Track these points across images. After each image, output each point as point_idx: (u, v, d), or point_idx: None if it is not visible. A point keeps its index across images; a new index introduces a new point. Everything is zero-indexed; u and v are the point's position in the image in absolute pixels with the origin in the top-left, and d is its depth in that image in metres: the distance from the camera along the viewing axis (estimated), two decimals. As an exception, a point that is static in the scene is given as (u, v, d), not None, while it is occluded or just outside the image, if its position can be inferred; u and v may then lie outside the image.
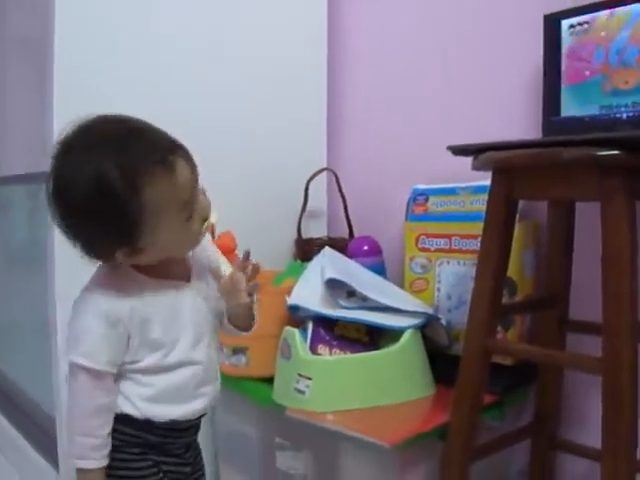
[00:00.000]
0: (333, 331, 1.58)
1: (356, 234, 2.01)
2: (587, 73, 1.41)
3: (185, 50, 1.80)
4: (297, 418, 1.45)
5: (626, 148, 1.08)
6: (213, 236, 1.09)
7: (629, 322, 1.11)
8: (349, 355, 1.52)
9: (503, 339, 1.53)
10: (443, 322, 1.63)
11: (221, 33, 1.88)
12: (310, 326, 1.56)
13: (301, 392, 1.45)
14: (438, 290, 1.71)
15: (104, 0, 1.66)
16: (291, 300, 1.60)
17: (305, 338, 1.54)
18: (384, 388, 1.47)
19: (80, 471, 1.09)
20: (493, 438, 1.48)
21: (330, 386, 1.46)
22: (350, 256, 1.81)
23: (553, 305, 1.48)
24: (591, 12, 1.42)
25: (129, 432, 1.12)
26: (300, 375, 1.47)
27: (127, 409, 1.11)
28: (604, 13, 1.38)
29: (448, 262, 1.68)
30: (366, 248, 1.84)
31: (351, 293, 1.60)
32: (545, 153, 1.16)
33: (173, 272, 1.14)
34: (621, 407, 1.11)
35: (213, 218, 1.16)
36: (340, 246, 1.87)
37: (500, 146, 1.24)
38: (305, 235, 2.05)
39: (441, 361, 1.58)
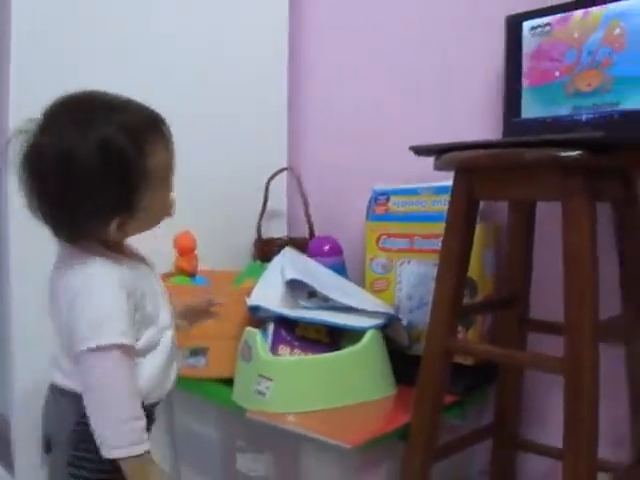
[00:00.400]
0: (294, 332, 1.57)
1: (317, 234, 2.00)
2: (556, 74, 1.42)
3: (148, 39, 1.79)
4: (258, 420, 1.44)
5: (587, 149, 1.09)
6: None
7: (591, 321, 1.12)
8: (310, 356, 1.51)
9: (464, 339, 1.53)
10: (404, 322, 1.63)
11: (184, 28, 1.86)
12: (271, 327, 1.55)
13: (261, 393, 1.44)
14: (399, 290, 1.71)
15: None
16: (251, 301, 1.58)
17: (266, 339, 1.52)
18: (345, 389, 1.46)
19: (138, 459, 1.04)
20: (454, 438, 1.48)
21: (291, 387, 1.44)
22: (311, 256, 1.80)
23: (513, 305, 1.49)
24: (553, 14, 1.43)
25: None
26: (261, 376, 1.45)
27: None
28: (578, 13, 1.38)
29: (409, 262, 1.68)
30: (327, 248, 1.83)
31: (312, 293, 1.59)
32: (508, 154, 1.16)
33: (131, 253, 1.17)
34: (583, 407, 1.11)
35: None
36: (300, 246, 1.87)
37: (462, 146, 1.24)
38: (265, 235, 2.04)
39: (402, 361, 1.58)
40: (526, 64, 1.47)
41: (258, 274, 1.70)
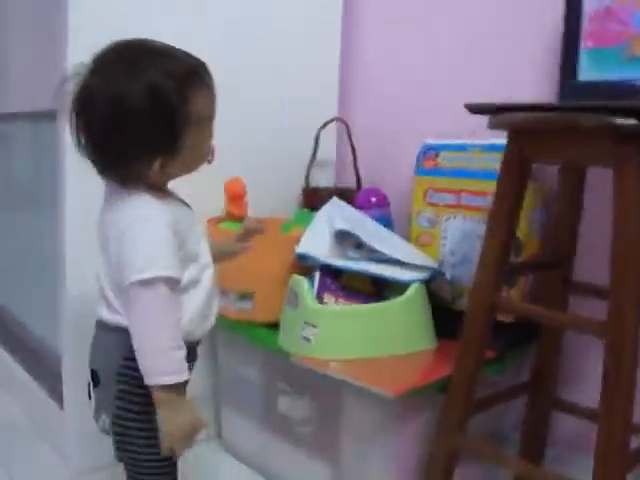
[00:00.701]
0: (340, 281, 1.61)
1: (364, 185, 2.02)
2: (619, 37, 1.40)
3: None
4: (303, 365, 1.48)
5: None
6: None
7: (635, 286, 1.13)
8: (355, 305, 1.55)
9: (508, 297, 1.55)
10: (447, 277, 1.65)
11: None
12: (317, 275, 1.58)
13: (307, 339, 1.48)
14: (443, 245, 1.72)
15: None
16: (300, 249, 1.61)
17: (312, 287, 1.55)
18: (388, 339, 1.50)
19: (177, 387, 1.08)
20: (492, 393, 1.52)
21: (335, 335, 1.49)
22: (357, 207, 1.82)
23: (557, 266, 1.51)
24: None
25: None
26: (306, 323, 1.49)
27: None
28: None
29: (455, 217, 1.70)
30: (374, 200, 1.85)
31: (359, 245, 1.62)
32: (563, 118, 1.17)
33: (173, 195, 1.21)
34: (622, 370, 1.13)
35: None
36: (348, 197, 1.88)
37: (518, 107, 1.24)
38: (313, 184, 2.06)
39: (444, 315, 1.61)
40: (586, 24, 1.46)
41: (305, 222, 1.73)
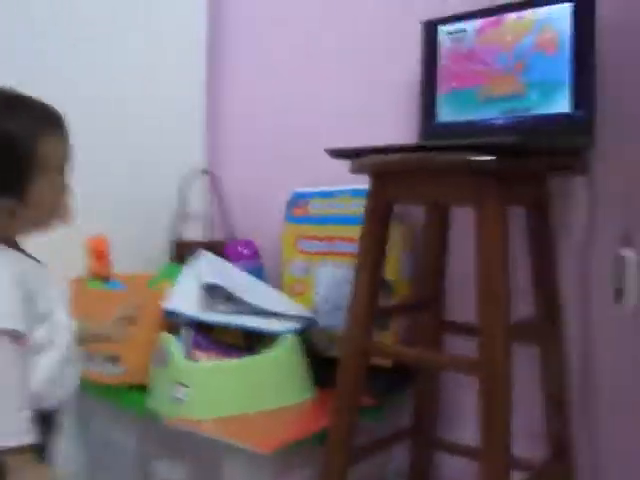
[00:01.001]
0: (211, 336, 1.56)
1: (238, 237, 1.98)
2: (472, 79, 1.45)
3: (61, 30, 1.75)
4: (175, 426, 1.42)
5: (499, 154, 1.10)
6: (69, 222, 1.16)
7: (503, 322, 1.13)
8: (224, 361, 1.50)
9: (381, 341, 1.53)
10: (321, 325, 1.63)
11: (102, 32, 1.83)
12: (187, 332, 1.53)
13: (179, 400, 1.42)
14: (317, 294, 1.71)
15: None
16: (167, 305, 1.56)
17: (182, 344, 1.50)
18: (263, 393, 1.46)
19: (24, 449, 1.00)
20: (373, 440, 1.49)
21: (208, 393, 1.43)
22: (228, 259, 1.79)
23: (428, 306, 1.50)
24: (466, 20, 1.45)
25: None
26: (177, 382, 1.43)
27: None
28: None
29: (326, 264, 1.68)
30: (244, 251, 1.83)
31: (229, 297, 1.58)
32: (418, 158, 1.18)
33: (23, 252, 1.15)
34: (497, 406, 1.13)
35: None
36: (218, 249, 1.85)
37: (376, 150, 1.24)
38: (184, 238, 2.01)
39: (321, 365, 1.58)
40: (442, 69, 1.49)
41: (174, 276, 1.68)
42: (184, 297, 1.58)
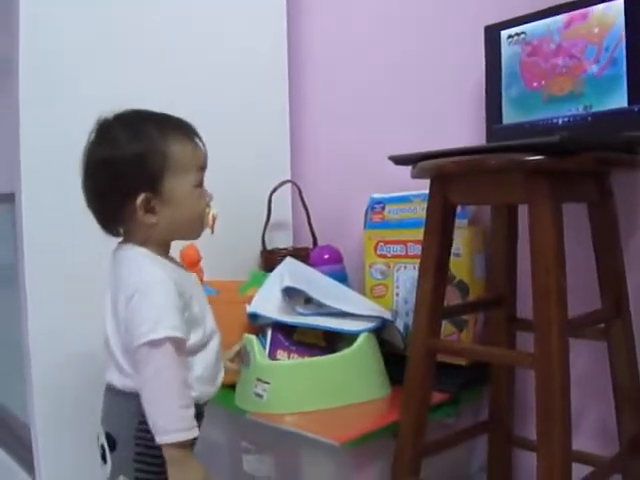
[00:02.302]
0: (292, 337, 1.63)
1: (320, 243, 2.07)
2: (535, 80, 1.48)
3: (147, 49, 1.84)
4: (256, 421, 1.50)
5: (550, 153, 1.14)
6: (213, 230, 1.30)
7: (557, 317, 1.16)
8: (304, 359, 1.58)
9: (454, 339, 1.58)
10: (401, 325, 1.68)
11: (189, 37, 1.94)
12: (269, 333, 1.62)
13: (259, 396, 1.50)
14: (396, 295, 1.77)
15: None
16: (250, 308, 1.65)
17: (264, 344, 1.59)
18: (340, 390, 1.52)
19: (187, 445, 1.13)
20: (447, 435, 1.53)
21: (287, 389, 1.51)
22: (313, 264, 1.87)
23: (500, 305, 1.54)
24: (527, 22, 1.48)
25: None
26: (258, 380, 1.52)
27: None
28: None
29: (405, 267, 1.74)
30: (327, 256, 1.90)
31: (308, 300, 1.65)
32: (474, 160, 1.22)
33: (175, 261, 1.29)
34: (553, 399, 1.15)
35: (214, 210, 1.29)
36: (303, 255, 1.95)
37: (435, 155, 1.30)
38: (272, 246, 2.11)
39: (398, 363, 1.63)
40: (506, 71, 1.53)
41: (261, 282, 1.77)
42: (266, 300, 1.67)
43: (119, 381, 1.20)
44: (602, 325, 1.39)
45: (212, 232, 1.28)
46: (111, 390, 1.23)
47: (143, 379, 1.13)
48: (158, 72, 1.85)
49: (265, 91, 2.15)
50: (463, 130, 1.75)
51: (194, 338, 1.20)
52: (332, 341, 1.65)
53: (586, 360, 1.47)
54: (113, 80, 1.74)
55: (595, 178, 1.33)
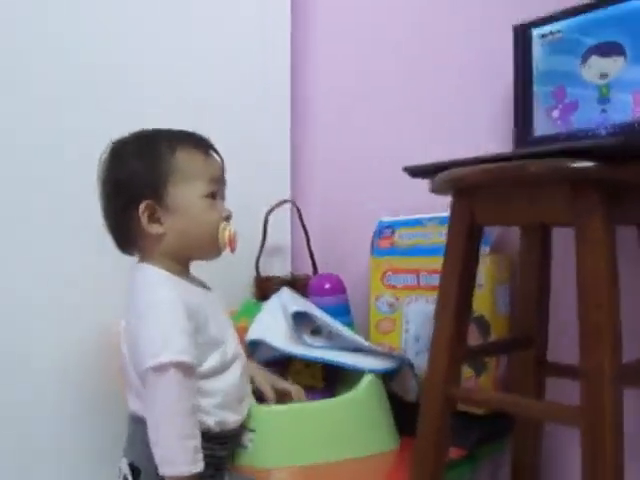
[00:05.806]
0: (285, 377, 1.46)
1: (321, 271, 1.86)
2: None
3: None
4: (239, 476, 1.29)
5: (602, 159, 0.93)
6: (232, 248, 1.25)
7: (611, 362, 0.95)
8: (296, 404, 1.37)
9: (473, 386, 1.36)
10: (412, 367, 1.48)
11: (186, 53, 1.78)
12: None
13: (244, 447, 1.29)
14: (406, 331, 1.57)
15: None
16: (251, 335, 1.49)
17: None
18: (338, 441, 1.32)
19: (191, 478, 1.07)
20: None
21: (276, 439, 1.30)
22: (311, 295, 1.67)
23: (528, 346, 1.32)
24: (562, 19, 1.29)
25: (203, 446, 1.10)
26: (243, 427, 1.30)
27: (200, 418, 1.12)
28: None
29: (416, 300, 1.55)
30: (328, 286, 1.69)
31: (315, 331, 1.50)
32: (507, 167, 1.01)
33: (194, 279, 1.26)
34: (603, 466, 0.94)
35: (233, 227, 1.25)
36: (302, 284, 1.75)
37: (460, 163, 1.09)
38: (267, 272, 1.90)
39: (409, 411, 1.41)
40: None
41: (253, 313, 1.59)
42: (268, 328, 1.51)
43: (137, 406, 1.16)
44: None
45: (232, 251, 1.24)
46: (133, 418, 1.19)
47: (147, 405, 1.10)
48: (153, 91, 1.70)
49: (264, 102, 1.97)
50: (488, 143, 1.54)
51: (212, 361, 1.16)
52: (332, 383, 1.45)
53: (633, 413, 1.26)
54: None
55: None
